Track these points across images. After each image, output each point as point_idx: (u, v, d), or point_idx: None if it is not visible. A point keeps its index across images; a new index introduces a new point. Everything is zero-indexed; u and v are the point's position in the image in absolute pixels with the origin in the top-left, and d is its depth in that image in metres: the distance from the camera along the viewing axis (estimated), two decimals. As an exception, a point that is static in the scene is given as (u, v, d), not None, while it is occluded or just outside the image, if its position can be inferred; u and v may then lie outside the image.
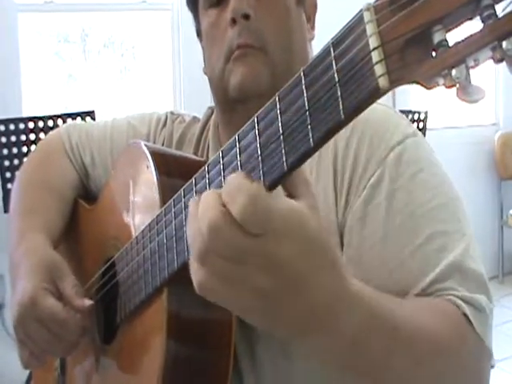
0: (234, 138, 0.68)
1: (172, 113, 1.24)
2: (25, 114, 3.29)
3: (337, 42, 0.55)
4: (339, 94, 0.55)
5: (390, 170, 0.89)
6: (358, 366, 0.70)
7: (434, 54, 0.49)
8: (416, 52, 0.49)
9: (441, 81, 0.48)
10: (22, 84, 3.48)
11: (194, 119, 1.22)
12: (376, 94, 0.52)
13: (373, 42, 0.51)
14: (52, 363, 1.22)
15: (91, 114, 3.02)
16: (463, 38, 0.46)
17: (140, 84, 4.04)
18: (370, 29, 0.51)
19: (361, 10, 0.52)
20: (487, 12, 0.44)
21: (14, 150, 2.91)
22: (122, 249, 1.00)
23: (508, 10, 0.43)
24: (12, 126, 2.91)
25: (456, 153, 4.39)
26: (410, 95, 4.21)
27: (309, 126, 0.58)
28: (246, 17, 0.97)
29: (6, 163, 2.91)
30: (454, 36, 0.48)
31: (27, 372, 2.44)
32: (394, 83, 0.50)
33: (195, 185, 0.77)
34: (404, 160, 0.89)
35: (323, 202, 0.91)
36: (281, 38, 1.00)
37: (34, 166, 1.29)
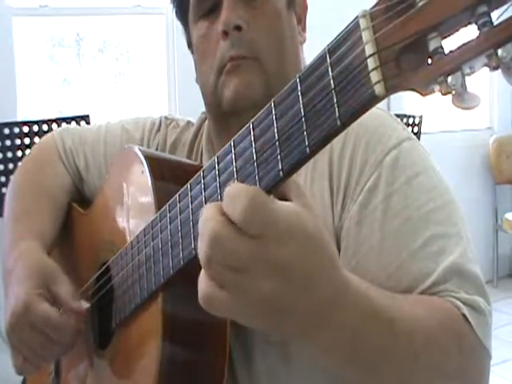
0: (229, 143, 0.68)
1: (166, 117, 1.24)
2: (19, 118, 3.28)
3: (333, 49, 0.55)
4: (335, 100, 0.55)
5: (387, 173, 0.89)
6: (359, 360, 0.71)
7: (429, 61, 0.49)
8: (412, 59, 0.49)
9: (436, 88, 0.48)
10: (17, 88, 3.47)
11: (188, 124, 1.21)
12: (372, 100, 0.52)
13: (369, 48, 0.51)
14: (46, 367, 1.22)
15: (86, 118, 3.01)
16: (458, 46, 0.46)
17: (134, 88, 4.04)
18: (365, 36, 0.51)
19: (357, 17, 0.52)
20: (483, 19, 0.44)
21: (9, 155, 2.91)
22: (116, 253, 1.00)
23: (503, 17, 0.44)
24: (7, 130, 2.90)
25: (451, 157, 4.40)
26: (404, 99, 4.22)
27: (305, 132, 0.58)
28: (238, 28, 0.96)
29: (1, 167, 2.90)
30: (450, 42, 0.48)
31: (21, 376, 2.42)
32: (390, 90, 0.50)
33: (190, 190, 0.77)
34: (400, 164, 0.89)
35: (320, 206, 0.91)
36: (273, 46, 0.99)
37: (28, 170, 1.28)
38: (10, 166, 2.90)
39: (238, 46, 0.96)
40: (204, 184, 0.73)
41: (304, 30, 1.09)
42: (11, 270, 1.06)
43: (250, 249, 0.57)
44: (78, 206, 1.24)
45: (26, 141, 2.92)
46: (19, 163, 1.31)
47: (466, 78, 0.47)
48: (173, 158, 1.13)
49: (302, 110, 0.58)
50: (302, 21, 1.09)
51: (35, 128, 2.93)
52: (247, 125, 0.65)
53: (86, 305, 1.02)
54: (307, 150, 0.58)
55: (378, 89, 0.50)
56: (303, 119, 0.58)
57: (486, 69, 0.47)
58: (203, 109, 1.18)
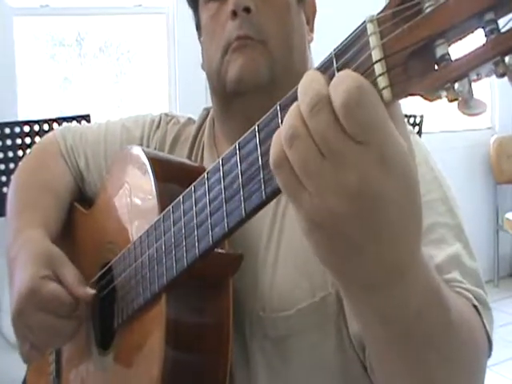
0: (234, 146, 0.67)
1: (166, 114, 1.24)
2: (20, 118, 3.28)
3: (340, 53, 0.55)
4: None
5: None
6: (413, 339, 0.64)
7: (436, 67, 0.49)
8: (419, 65, 0.49)
9: (443, 94, 0.48)
10: (18, 87, 3.47)
11: (190, 120, 1.22)
12: None
13: (376, 54, 0.51)
14: (47, 368, 1.22)
15: (86, 117, 3.01)
16: (466, 53, 0.46)
17: (135, 88, 4.03)
18: (373, 41, 0.51)
19: (364, 22, 0.52)
20: (490, 27, 0.44)
21: (10, 154, 2.90)
22: (119, 254, 1.00)
23: (510, 24, 0.44)
24: (7, 130, 2.90)
25: (451, 157, 4.39)
26: (405, 99, 4.21)
27: None
28: (247, 10, 0.97)
29: (2, 167, 2.90)
30: (458, 47, 0.48)
31: (22, 377, 2.43)
32: (397, 96, 0.50)
33: (194, 192, 0.77)
34: None
35: None
36: (281, 32, 1.00)
37: (30, 168, 1.28)
38: (11, 165, 2.89)
39: (247, 27, 0.97)
40: (208, 186, 0.73)
41: (312, 31, 1.10)
42: (15, 258, 1.05)
43: (346, 143, 0.50)
44: (80, 206, 1.24)
45: (27, 140, 2.92)
46: (20, 163, 1.31)
47: (473, 84, 0.47)
48: (175, 159, 1.13)
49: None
50: (310, 22, 1.10)
51: (36, 127, 2.93)
52: (252, 127, 0.64)
53: (91, 291, 1.01)
54: None
55: (385, 94, 0.51)
56: None
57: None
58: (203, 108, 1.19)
